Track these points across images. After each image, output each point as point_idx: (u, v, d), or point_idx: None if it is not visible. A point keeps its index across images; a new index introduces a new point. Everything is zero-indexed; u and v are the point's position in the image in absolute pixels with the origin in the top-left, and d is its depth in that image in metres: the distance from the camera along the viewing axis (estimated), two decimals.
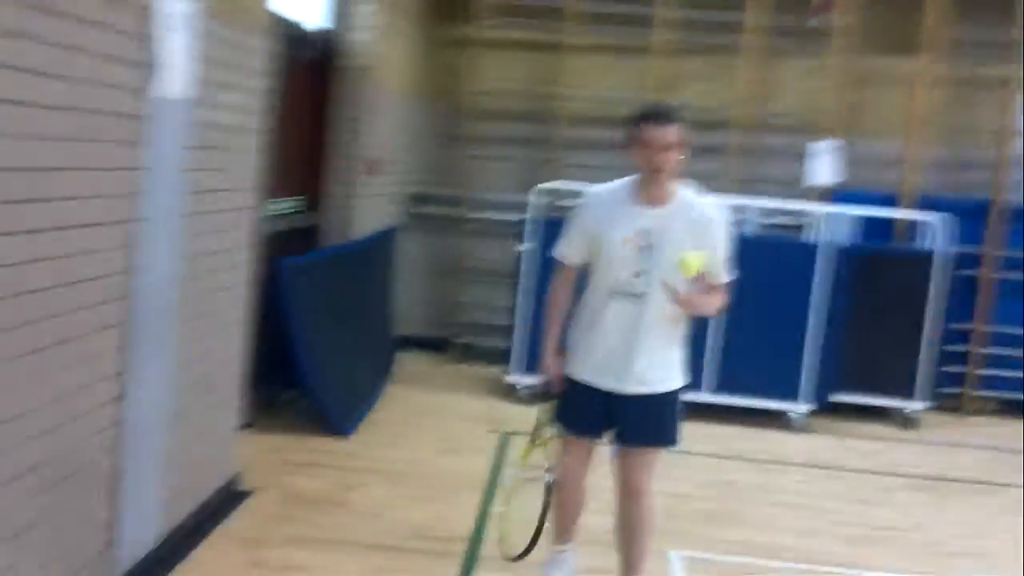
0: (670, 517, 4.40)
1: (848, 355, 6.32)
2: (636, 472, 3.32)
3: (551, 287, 3.44)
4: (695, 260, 3.05)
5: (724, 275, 3.27)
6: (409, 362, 7.16)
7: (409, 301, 7.62)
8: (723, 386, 6.16)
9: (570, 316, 3.39)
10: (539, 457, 3.48)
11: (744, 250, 6.23)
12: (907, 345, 6.46)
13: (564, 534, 3.53)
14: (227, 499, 4.10)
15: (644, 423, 3.28)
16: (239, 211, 3.98)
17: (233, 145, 3.84)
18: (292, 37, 5.10)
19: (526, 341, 6.22)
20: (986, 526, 4.71)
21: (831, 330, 6.17)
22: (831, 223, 6.22)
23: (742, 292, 6.13)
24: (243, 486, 4.28)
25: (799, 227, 7.07)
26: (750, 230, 6.74)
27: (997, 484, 5.43)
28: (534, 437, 3.42)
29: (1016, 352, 7.02)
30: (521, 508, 3.57)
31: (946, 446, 6.20)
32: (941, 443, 6.25)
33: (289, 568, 3.56)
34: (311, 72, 5.74)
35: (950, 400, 7.00)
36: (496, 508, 3.54)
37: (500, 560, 3.73)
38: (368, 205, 6.35)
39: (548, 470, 3.43)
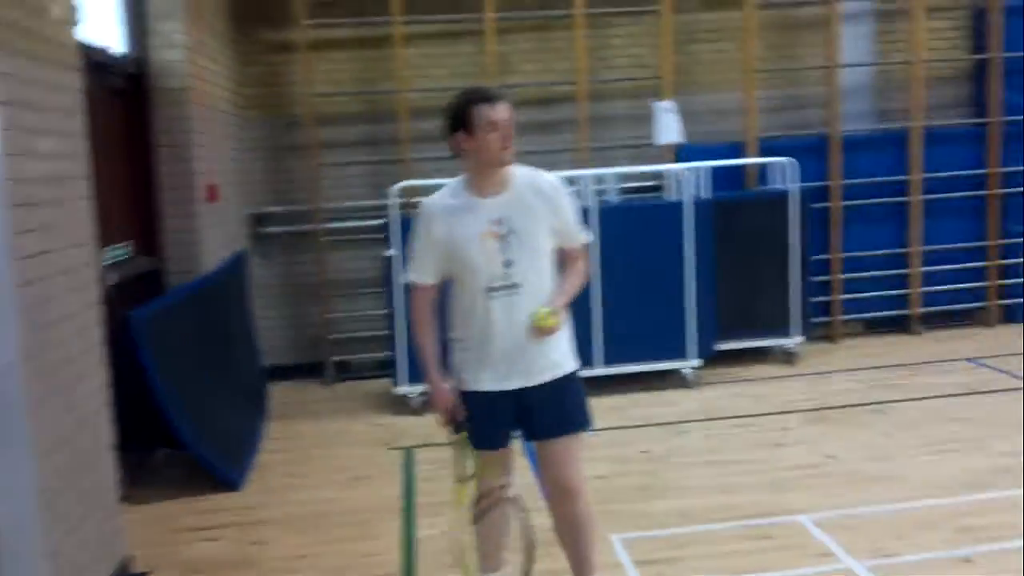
0: (599, 500, 4.27)
1: (724, 303, 6.40)
2: (565, 469, 3.14)
3: (414, 314, 3.16)
4: (545, 314, 2.94)
5: (582, 236, 3.15)
6: (284, 393, 6.73)
7: (272, 328, 7.17)
8: (613, 357, 6.09)
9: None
10: (472, 491, 3.21)
11: (608, 219, 6.30)
12: (776, 284, 6.61)
13: (495, 558, 3.31)
14: None
15: (561, 410, 3.10)
16: (78, 269, 3.52)
17: (59, 197, 3.37)
18: (97, 64, 4.61)
19: (408, 349, 5.94)
20: (888, 447, 4.84)
21: (705, 282, 6.22)
22: (686, 180, 6.26)
23: (614, 261, 6.19)
24: (138, 568, 3.83)
25: (658, 188, 7.11)
26: (611, 199, 6.70)
27: (883, 403, 5.63)
28: (460, 474, 3.16)
29: (870, 274, 7.35)
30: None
31: (828, 374, 6.40)
32: (823, 372, 6.45)
33: None
34: (124, 101, 5.23)
35: (822, 329, 7.25)
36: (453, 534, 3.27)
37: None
38: (211, 235, 5.87)
39: (502, 487, 3.19)
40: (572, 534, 3.18)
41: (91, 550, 3.43)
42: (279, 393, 6.69)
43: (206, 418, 5.00)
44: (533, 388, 3.06)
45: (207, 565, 3.90)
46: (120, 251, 5.03)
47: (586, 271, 3.20)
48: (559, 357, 3.10)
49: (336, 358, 7.11)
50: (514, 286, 2.98)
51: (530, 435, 3.14)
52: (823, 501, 4.14)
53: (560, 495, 3.15)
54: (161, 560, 3.94)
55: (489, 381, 3.05)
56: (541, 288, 3.02)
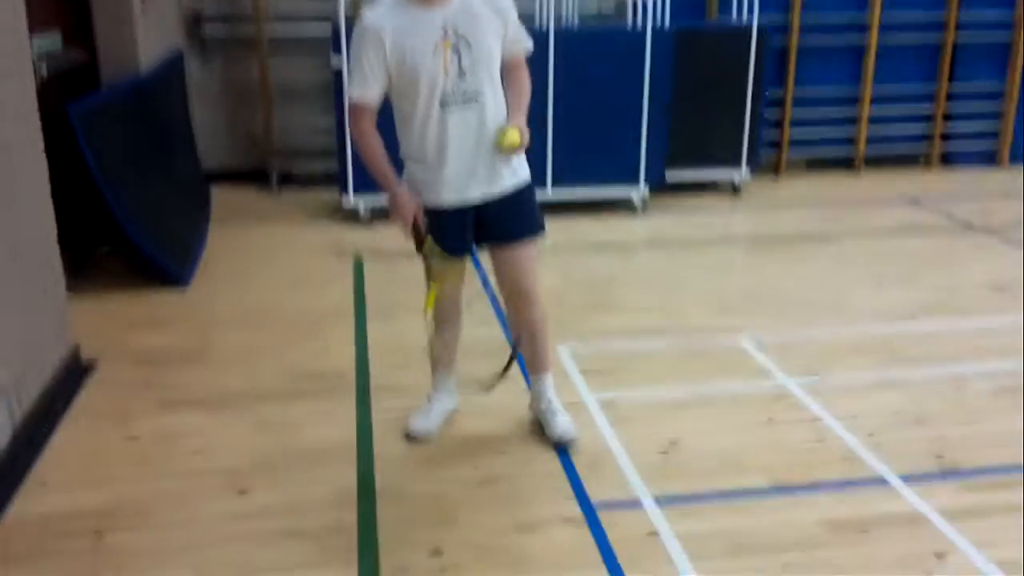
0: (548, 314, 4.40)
1: (676, 134, 6.37)
2: (523, 275, 3.17)
3: (358, 135, 3.02)
4: (509, 133, 2.88)
5: (527, 43, 3.05)
6: (226, 198, 6.58)
7: (212, 133, 6.93)
8: (564, 182, 6.07)
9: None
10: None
11: (566, 45, 6.10)
12: (729, 118, 6.58)
13: (446, 359, 3.39)
14: (72, 375, 3.64)
15: (520, 216, 3.10)
16: (10, 54, 3.28)
17: None
18: None
19: (355, 161, 5.81)
20: (830, 277, 5.01)
21: (659, 112, 6.15)
22: (648, 7, 6.06)
23: (570, 87, 6.06)
24: (85, 358, 3.82)
25: (620, 15, 6.89)
26: (570, 25, 6.48)
27: (826, 236, 5.78)
28: (430, 282, 3.16)
29: (821, 111, 7.37)
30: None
31: (774, 208, 6.51)
32: (769, 206, 6.55)
33: (169, 437, 3.23)
34: None
35: (769, 164, 7.32)
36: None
37: (391, 387, 3.60)
38: (148, 33, 5.53)
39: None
40: (529, 336, 3.25)
41: (39, 338, 3.39)
42: (221, 198, 6.55)
43: (149, 216, 4.87)
44: (494, 196, 3.04)
45: (157, 356, 3.90)
46: (50, 41, 4.70)
47: (529, 82, 3.10)
48: (517, 165, 3.07)
49: (280, 167, 6.94)
50: (469, 97, 2.90)
51: (489, 241, 3.14)
52: (762, 324, 4.29)
53: (518, 299, 3.20)
54: (109, 351, 3.92)
55: (451, 194, 3.01)
56: (496, 97, 2.95)
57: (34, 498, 2.85)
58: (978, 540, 2.62)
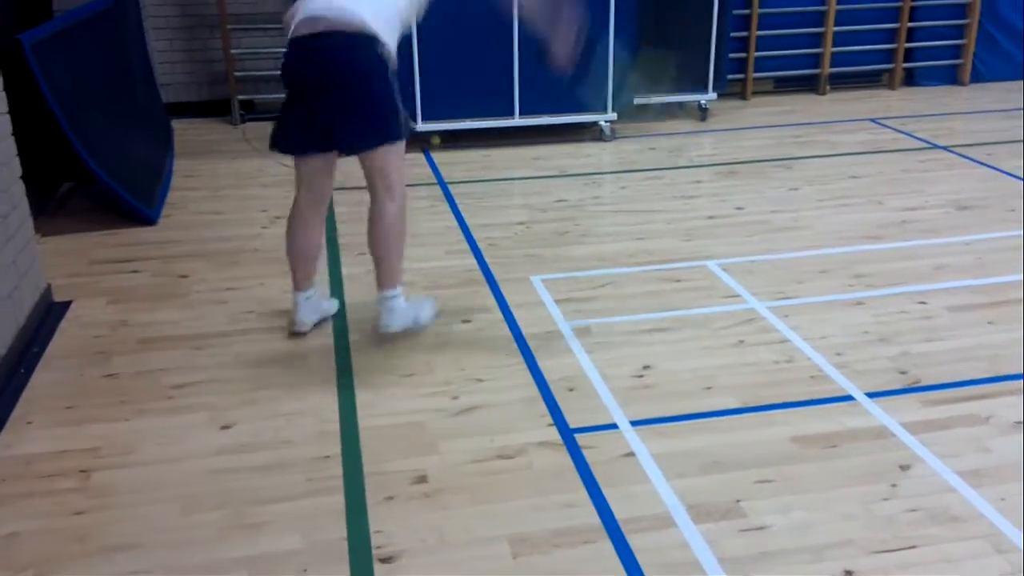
0: (519, 245, 4.43)
1: (643, 58, 6.34)
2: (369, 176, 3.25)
3: None
4: None
5: None
6: (188, 131, 6.48)
7: (170, 64, 6.77)
8: (530, 108, 6.03)
9: None
10: None
11: None
12: (696, 40, 6.56)
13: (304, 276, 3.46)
14: (47, 315, 3.63)
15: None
16: None
17: None
18: None
19: None
20: (793, 200, 5.07)
21: (625, 37, 6.09)
22: None
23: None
24: (58, 298, 3.79)
25: None
26: None
27: (789, 159, 5.83)
28: None
29: (786, 32, 7.34)
30: None
31: (739, 131, 6.54)
32: (735, 129, 6.58)
33: (149, 374, 3.25)
34: None
35: (735, 86, 7.32)
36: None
37: (370, 320, 3.62)
38: None
39: None
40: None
41: (11, 280, 3.36)
42: (183, 131, 6.45)
43: (112, 151, 4.79)
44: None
45: (133, 296, 3.88)
46: None
47: None
48: None
49: (241, 97, 6.81)
50: None
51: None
52: (731, 248, 4.36)
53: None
54: (83, 291, 3.91)
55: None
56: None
57: (17, 439, 2.87)
58: (940, 451, 2.74)
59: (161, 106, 6.41)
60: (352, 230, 4.61)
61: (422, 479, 2.65)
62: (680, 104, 6.90)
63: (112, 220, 4.68)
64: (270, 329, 3.58)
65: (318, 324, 3.58)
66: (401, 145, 3.22)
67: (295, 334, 3.52)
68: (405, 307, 3.38)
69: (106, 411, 3.02)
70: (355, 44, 3.02)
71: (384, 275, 3.31)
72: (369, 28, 3.01)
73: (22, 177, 3.62)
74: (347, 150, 3.23)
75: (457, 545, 2.39)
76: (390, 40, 3.10)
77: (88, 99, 4.76)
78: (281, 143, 3.27)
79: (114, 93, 5.31)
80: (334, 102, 3.08)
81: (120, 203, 4.63)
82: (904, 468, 2.67)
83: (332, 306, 3.68)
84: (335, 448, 2.80)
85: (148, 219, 4.67)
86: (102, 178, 4.49)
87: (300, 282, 3.47)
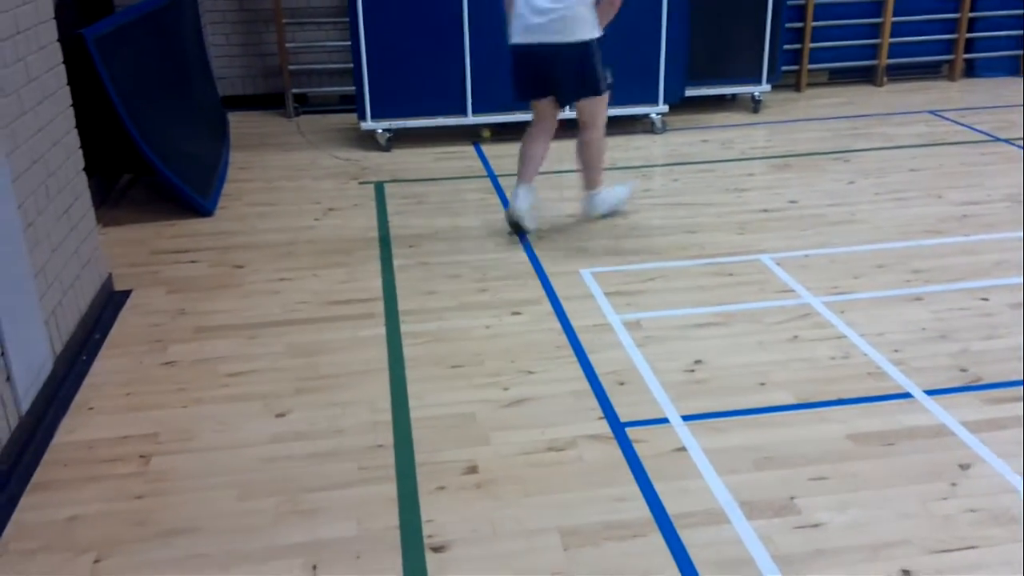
0: (569, 238, 4.42)
1: (696, 49, 6.27)
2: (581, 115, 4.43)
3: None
4: None
5: None
6: (243, 124, 6.58)
7: (226, 58, 6.88)
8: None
9: None
10: None
11: None
12: (750, 31, 6.46)
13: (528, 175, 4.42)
14: (108, 304, 3.72)
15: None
16: None
17: None
18: None
19: (375, 82, 5.77)
20: (849, 193, 4.98)
21: (678, 27, 6.03)
22: None
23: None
24: (119, 287, 3.88)
25: None
26: None
27: (846, 152, 5.73)
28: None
29: (843, 22, 7.21)
30: None
31: (794, 123, 6.44)
32: (789, 121, 6.49)
33: (206, 362, 3.31)
34: None
35: (789, 78, 7.21)
36: None
37: (419, 311, 3.65)
38: None
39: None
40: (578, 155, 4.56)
41: (74, 269, 3.45)
42: (238, 124, 6.55)
43: (172, 145, 4.88)
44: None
45: (190, 287, 3.96)
46: None
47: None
48: None
49: (296, 90, 6.89)
50: None
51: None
52: (785, 242, 4.30)
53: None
54: (142, 280, 3.99)
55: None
56: None
57: (80, 424, 2.94)
58: (1000, 451, 2.67)
59: (217, 99, 6.52)
60: (403, 223, 4.65)
61: (473, 470, 2.66)
62: (733, 96, 6.82)
63: (171, 211, 4.77)
64: (323, 319, 3.62)
65: (373, 323, 3.61)
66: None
67: (514, 224, 4.36)
68: (604, 197, 4.61)
69: (164, 398, 3.09)
70: None
71: (587, 179, 4.57)
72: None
73: (84, 169, 3.70)
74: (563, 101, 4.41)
75: (508, 536, 2.39)
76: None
77: (147, 93, 4.86)
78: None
79: (172, 87, 5.41)
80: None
81: (178, 194, 4.72)
82: (964, 467, 2.62)
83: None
84: (387, 437, 2.83)
85: (205, 211, 4.75)
86: (161, 170, 4.58)
87: (521, 176, 4.40)
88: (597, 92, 4.28)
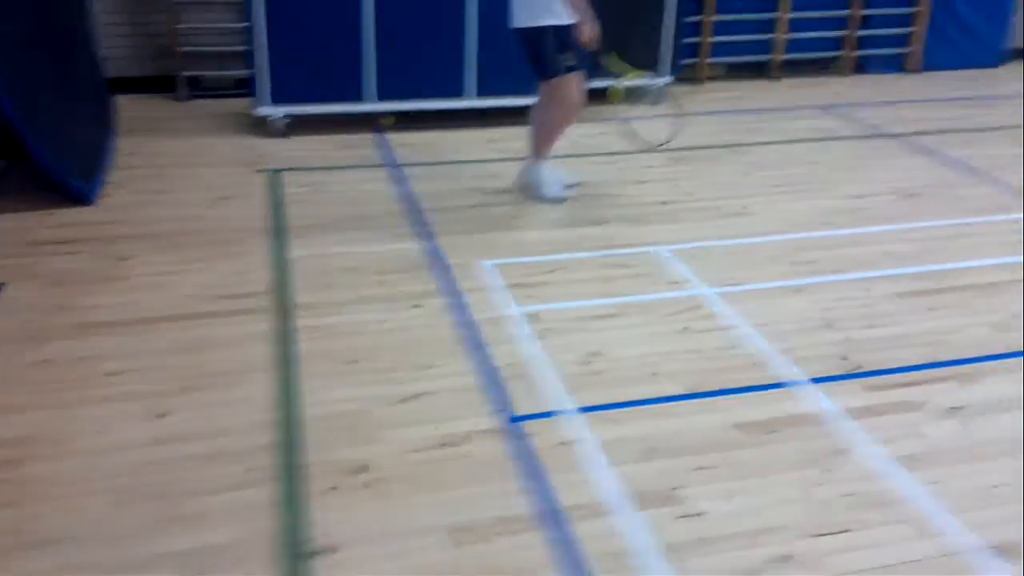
0: (472, 229, 4.39)
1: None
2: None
3: None
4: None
5: None
6: (131, 107, 6.32)
7: (114, 36, 6.59)
8: (485, 90, 5.98)
9: None
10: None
11: None
12: (651, 23, 6.54)
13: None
14: None
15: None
16: None
17: None
18: None
19: (271, 67, 5.61)
20: (744, 186, 5.09)
21: None
22: None
23: None
24: None
25: None
26: None
27: (741, 145, 5.86)
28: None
29: (740, 16, 7.37)
30: None
31: (692, 116, 6.53)
32: (687, 114, 6.57)
33: (84, 360, 3.16)
34: None
35: (688, 71, 7.33)
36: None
37: (312, 305, 3.57)
38: None
39: None
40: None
41: None
42: (126, 107, 6.28)
43: (50, 127, 4.62)
44: None
45: (68, 279, 3.78)
46: None
47: None
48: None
49: (187, 73, 6.66)
50: None
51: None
52: (679, 234, 4.37)
53: None
54: (17, 273, 3.79)
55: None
56: None
57: None
58: (877, 437, 2.78)
59: (102, 80, 6.23)
60: (300, 212, 4.54)
61: (364, 468, 2.61)
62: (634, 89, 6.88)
63: (51, 200, 4.54)
64: (211, 314, 3.51)
65: (263, 318, 3.51)
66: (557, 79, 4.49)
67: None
68: (533, 171, 4.79)
69: (39, 398, 2.94)
70: None
71: (528, 147, 4.79)
72: None
73: None
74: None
75: (398, 535, 2.36)
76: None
77: (22, 71, 4.59)
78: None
79: (51, 67, 5.13)
80: None
81: (55, 180, 4.48)
82: (841, 453, 2.71)
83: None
84: (275, 437, 2.75)
85: (83, 197, 4.53)
86: (35, 154, 4.35)
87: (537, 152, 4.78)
88: (544, 77, 4.48)
